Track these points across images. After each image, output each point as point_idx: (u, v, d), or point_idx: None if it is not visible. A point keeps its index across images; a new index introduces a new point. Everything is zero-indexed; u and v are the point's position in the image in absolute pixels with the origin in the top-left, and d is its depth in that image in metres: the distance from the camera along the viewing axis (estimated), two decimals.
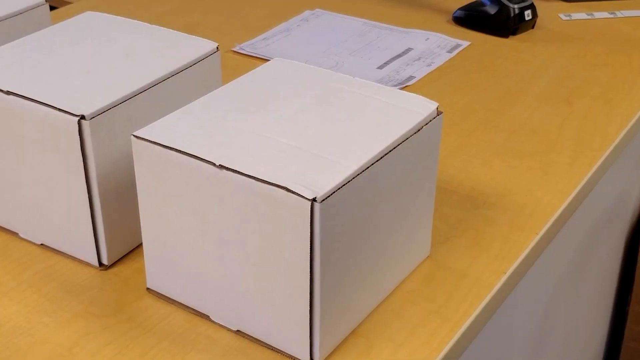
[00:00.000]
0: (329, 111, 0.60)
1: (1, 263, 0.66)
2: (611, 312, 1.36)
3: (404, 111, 0.60)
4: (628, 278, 1.33)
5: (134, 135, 0.57)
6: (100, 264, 0.65)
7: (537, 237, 0.70)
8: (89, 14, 0.75)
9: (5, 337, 0.59)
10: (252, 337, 0.59)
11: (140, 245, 0.65)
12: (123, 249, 0.66)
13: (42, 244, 0.67)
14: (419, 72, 0.96)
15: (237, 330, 0.59)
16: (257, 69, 0.66)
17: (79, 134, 0.59)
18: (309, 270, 0.52)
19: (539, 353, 1.10)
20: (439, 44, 1.03)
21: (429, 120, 0.60)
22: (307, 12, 1.12)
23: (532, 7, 1.06)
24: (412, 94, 0.62)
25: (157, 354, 0.58)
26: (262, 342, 0.58)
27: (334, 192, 0.51)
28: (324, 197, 0.51)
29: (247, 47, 1.02)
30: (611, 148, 0.82)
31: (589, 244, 1.14)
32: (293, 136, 0.56)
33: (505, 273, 0.65)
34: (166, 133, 0.56)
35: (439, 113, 0.61)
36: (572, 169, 0.79)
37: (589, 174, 0.78)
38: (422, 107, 0.60)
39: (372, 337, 0.59)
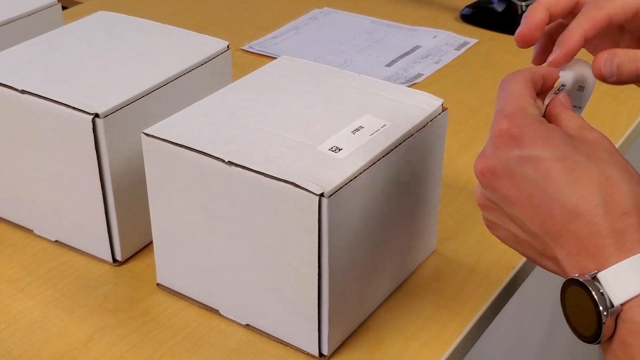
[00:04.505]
0: (335, 108, 0.60)
1: (17, 259, 0.67)
2: None
3: (410, 108, 0.60)
4: None
5: (144, 133, 0.57)
6: (114, 260, 0.66)
7: None
8: (101, 14, 0.76)
9: (22, 331, 0.60)
10: (261, 331, 0.60)
11: None
12: (136, 245, 0.67)
13: (56, 241, 0.69)
14: (427, 69, 0.97)
15: (247, 325, 0.60)
16: (264, 67, 0.67)
17: (93, 132, 0.60)
18: (317, 264, 0.53)
19: (549, 347, 1.11)
20: (446, 42, 1.04)
21: (434, 116, 0.60)
22: (315, 11, 1.13)
23: None
24: (418, 90, 0.63)
25: (171, 348, 0.59)
26: (271, 335, 0.59)
27: (341, 187, 0.52)
28: (332, 192, 0.51)
29: (256, 45, 1.03)
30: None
31: None
32: (300, 132, 0.57)
33: (514, 268, 0.66)
34: (175, 130, 0.57)
35: (444, 109, 0.61)
36: None
37: None
38: (427, 103, 0.61)
39: (383, 331, 0.60)
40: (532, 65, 0.53)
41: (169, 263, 0.62)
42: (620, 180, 0.43)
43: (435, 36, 1.05)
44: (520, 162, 0.44)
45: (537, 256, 0.46)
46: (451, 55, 1.01)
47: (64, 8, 0.92)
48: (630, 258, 0.41)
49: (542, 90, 0.50)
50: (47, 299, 0.63)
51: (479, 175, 0.46)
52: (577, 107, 0.53)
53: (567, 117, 0.48)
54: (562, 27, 0.51)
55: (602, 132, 0.47)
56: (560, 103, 0.49)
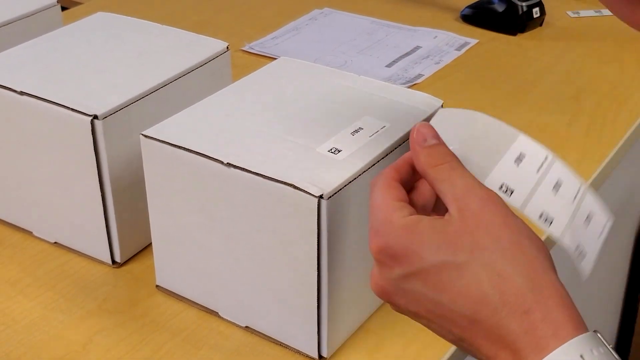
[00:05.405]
0: (335, 109, 0.60)
1: (16, 260, 0.67)
2: (621, 308, 1.36)
3: (409, 108, 0.60)
4: (637, 274, 1.33)
5: (142, 135, 0.57)
6: (113, 261, 0.66)
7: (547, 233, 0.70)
8: (100, 15, 0.76)
9: (21, 333, 0.60)
10: (260, 332, 0.59)
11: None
12: (136, 246, 0.67)
13: (55, 242, 0.68)
14: (427, 70, 0.97)
15: (246, 326, 0.60)
16: (264, 68, 0.67)
17: (92, 134, 0.60)
18: (316, 266, 0.53)
19: None
20: (447, 42, 1.04)
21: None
22: (315, 11, 1.13)
23: (540, 4, 1.06)
24: (417, 91, 0.63)
25: (170, 350, 0.58)
26: (270, 337, 0.59)
27: (341, 189, 0.52)
28: (331, 194, 0.51)
29: (256, 46, 1.03)
30: (620, 144, 0.83)
31: None
32: (300, 134, 0.57)
33: None
34: (174, 132, 0.57)
35: None
36: (580, 166, 0.79)
37: (598, 171, 0.78)
38: (427, 104, 0.61)
39: (382, 333, 0.60)
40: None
41: (168, 265, 0.62)
42: (510, 272, 0.41)
43: (436, 37, 1.05)
44: (406, 279, 0.43)
45: (472, 355, 0.44)
46: (451, 55, 1.01)
47: (63, 9, 0.92)
48: (550, 355, 0.39)
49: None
50: (46, 300, 0.63)
51: (377, 294, 0.45)
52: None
53: (439, 187, 0.44)
54: None
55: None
56: (426, 162, 0.45)
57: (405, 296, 0.44)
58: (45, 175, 0.65)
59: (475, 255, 0.41)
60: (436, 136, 0.46)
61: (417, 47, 1.02)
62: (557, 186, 0.45)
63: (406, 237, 0.43)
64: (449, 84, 0.94)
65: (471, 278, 0.41)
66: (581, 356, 0.39)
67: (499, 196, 0.43)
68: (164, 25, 0.74)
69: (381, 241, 0.44)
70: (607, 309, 1.31)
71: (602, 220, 0.46)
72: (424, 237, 0.42)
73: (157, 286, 0.64)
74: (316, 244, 0.52)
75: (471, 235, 0.42)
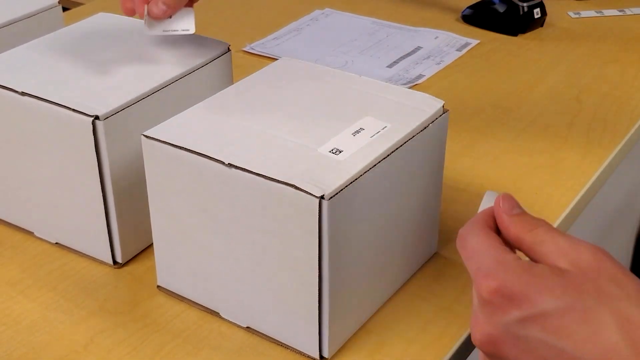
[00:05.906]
0: (336, 110, 0.60)
1: (17, 261, 0.67)
2: None
3: (411, 109, 0.60)
4: (637, 274, 1.33)
5: (143, 135, 0.57)
6: (115, 262, 0.66)
7: None
8: (101, 16, 0.76)
9: (22, 334, 0.60)
10: (262, 333, 0.59)
11: None
12: (137, 247, 0.67)
13: (57, 243, 0.68)
14: (429, 70, 0.97)
15: (247, 327, 0.60)
16: (265, 68, 0.67)
17: (93, 134, 0.60)
18: (317, 266, 0.53)
19: None
20: (448, 43, 1.04)
21: (435, 118, 0.60)
22: (317, 12, 1.13)
23: (541, 5, 1.06)
24: (419, 92, 0.63)
25: (171, 350, 0.58)
26: (271, 338, 0.59)
27: (342, 189, 0.52)
28: (332, 195, 0.51)
29: (257, 46, 1.03)
30: (621, 145, 0.83)
31: (599, 241, 1.14)
32: (301, 134, 0.57)
33: None
34: (175, 132, 0.57)
35: (445, 111, 0.61)
36: (581, 166, 0.79)
37: (599, 171, 0.78)
38: (428, 105, 0.61)
39: (383, 334, 0.60)
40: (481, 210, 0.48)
41: (169, 265, 0.62)
42: None
43: (437, 37, 1.05)
44: (523, 324, 0.39)
45: None
46: (453, 56, 1.01)
47: (64, 10, 0.92)
48: None
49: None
50: (47, 301, 0.63)
51: (480, 346, 0.41)
52: None
53: (540, 249, 0.42)
54: None
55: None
56: (518, 229, 0.44)
57: (518, 345, 0.40)
58: (47, 175, 0.65)
59: (602, 300, 0.39)
60: (519, 205, 0.45)
61: (418, 48, 1.02)
62: None
63: (526, 277, 0.40)
64: (450, 85, 0.94)
65: (599, 324, 0.38)
66: None
67: (606, 250, 0.42)
68: None
69: (496, 282, 0.40)
70: None
71: None
72: (545, 279, 0.40)
73: (158, 287, 0.64)
74: (317, 244, 0.52)
75: (594, 283, 0.39)
